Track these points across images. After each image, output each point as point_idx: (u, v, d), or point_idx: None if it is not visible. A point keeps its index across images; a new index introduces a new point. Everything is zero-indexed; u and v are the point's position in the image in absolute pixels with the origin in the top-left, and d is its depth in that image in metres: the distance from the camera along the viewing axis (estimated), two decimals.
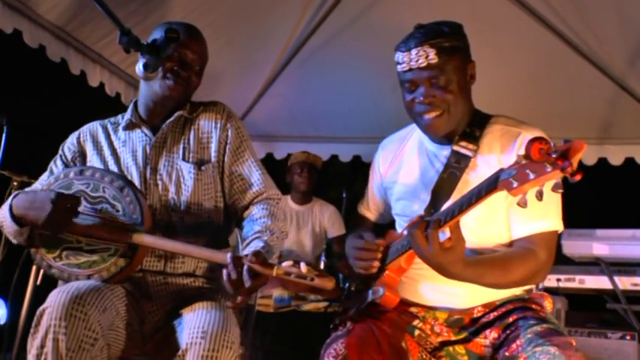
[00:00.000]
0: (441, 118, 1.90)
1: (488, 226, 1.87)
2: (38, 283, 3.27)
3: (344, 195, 4.30)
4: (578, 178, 1.31)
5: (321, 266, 4.19)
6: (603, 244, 3.30)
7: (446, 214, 1.62)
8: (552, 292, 3.28)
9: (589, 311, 3.54)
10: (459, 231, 1.60)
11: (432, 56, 1.85)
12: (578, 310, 3.45)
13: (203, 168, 2.13)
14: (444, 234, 1.61)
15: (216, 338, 1.79)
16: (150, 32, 3.45)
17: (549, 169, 1.33)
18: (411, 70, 1.89)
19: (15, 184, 3.18)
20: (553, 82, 4.10)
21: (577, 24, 3.69)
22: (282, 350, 3.58)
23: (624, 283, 3.28)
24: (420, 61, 1.86)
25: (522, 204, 1.42)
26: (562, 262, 3.39)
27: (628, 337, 3.08)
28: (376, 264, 1.96)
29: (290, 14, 3.92)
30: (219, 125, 2.18)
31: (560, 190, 1.38)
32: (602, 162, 4.43)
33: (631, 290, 3.28)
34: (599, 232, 3.37)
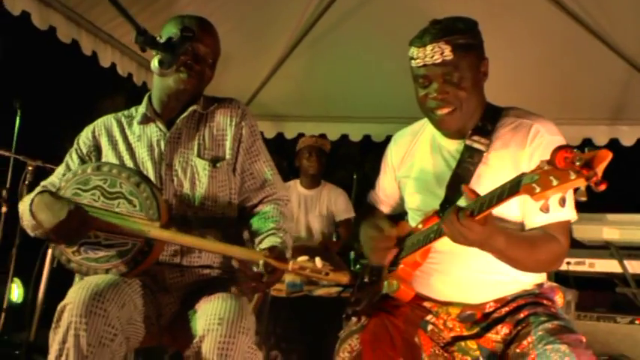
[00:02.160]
0: (453, 115, 1.91)
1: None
2: (55, 265, 3.32)
3: (354, 177, 4.31)
4: (602, 187, 1.33)
5: None
6: (614, 228, 3.30)
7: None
8: (562, 276, 3.30)
9: (599, 293, 3.56)
10: None
11: (447, 53, 1.85)
12: (588, 293, 3.47)
13: (218, 165, 2.15)
14: None
15: (232, 325, 1.83)
16: (156, 16, 3.45)
17: (573, 176, 1.35)
18: (425, 65, 1.89)
19: (30, 168, 3.20)
20: (566, 62, 4.06)
21: (590, 4, 3.66)
22: (295, 335, 3.63)
23: (634, 267, 3.30)
24: (435, 57, 1.86)
25: (544, 210, 1.44)
26: (572, 245, 3.38)
27: (637, 322, 3.10)
28: (390, 256, 2.00)
29: None
30: (234, 122, 2.19)
31: (584, 198, 1.38)
32: (614, 142, 4.40)
33: None
34: (610, 216, 3.36)
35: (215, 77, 2.29)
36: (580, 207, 1.94)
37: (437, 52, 1.85)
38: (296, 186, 4.52)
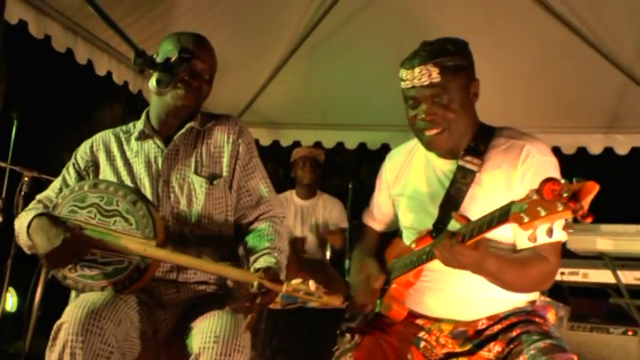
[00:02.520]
0: (441, 136, 1.93)
1: None
2: (49, 276, 3.32)
3: (350, 185, 4.32)
4: (589, 220, 1.35)
5: (327, 257, 4.24)
6: (607, 239, 3.33)
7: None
8: (556, 286, 3.31)
9: (593, 302, 3.59)
10: None
11: (435, 75, 1.86)
12: (582, 302, 3.49)
13: (215, 182, 2.16)
14: None
15: (228, 342, 1.85)
16: (154, 24, 3.45)
17: (560, 208, 1.37)
18: (414, 87, 1.91)
19: (26, 179, 3.20)
20: (561, 71, 4.09)
21: (585, 13, 3.68)
22: (290, 347, 3.64)
23: (627, 277, 3.32)
24: (422, 80, 1.88)
25: (532, 239, 1.46)
26: (566, 255, 3.41)
27: (630, 333, 3.12)
28: (370, 308, 2.03)
29: (298, 1, 3.91)
30: (231, 140, 2.21)
31: (571, 230, 1.41)
32: (609, 151, 4.43)
33: (635, 285, 3.31)
34: (604, 227, 3.38)
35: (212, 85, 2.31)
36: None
37: (425, 75, 1.87)
38: (292, 197, 4.56)
